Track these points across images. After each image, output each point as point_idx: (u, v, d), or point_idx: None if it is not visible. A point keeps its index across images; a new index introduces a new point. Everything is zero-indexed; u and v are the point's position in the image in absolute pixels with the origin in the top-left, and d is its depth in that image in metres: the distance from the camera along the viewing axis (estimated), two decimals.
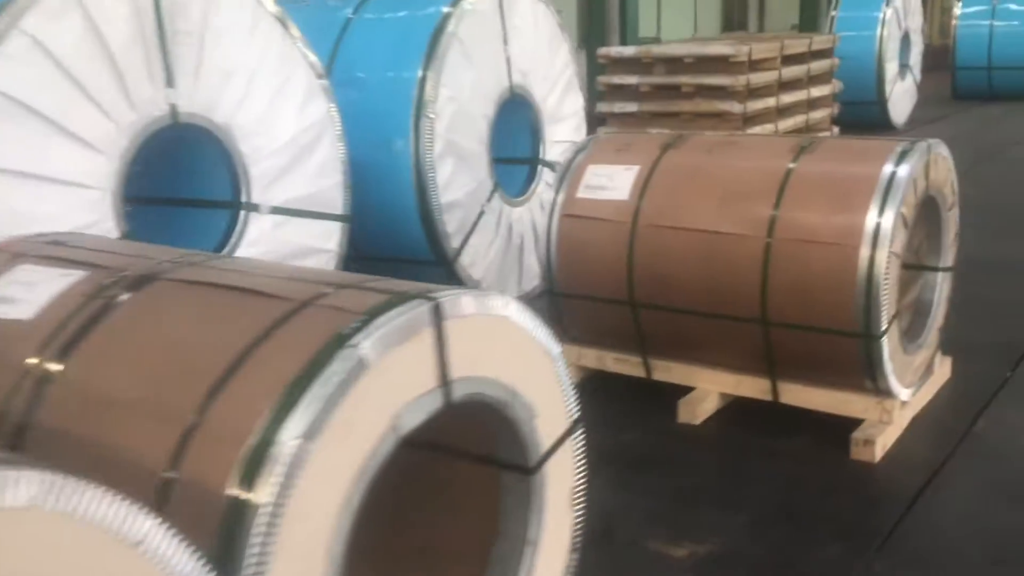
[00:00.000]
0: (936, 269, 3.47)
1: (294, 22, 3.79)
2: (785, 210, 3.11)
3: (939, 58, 14.06)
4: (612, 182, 3.47)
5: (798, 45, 8.55)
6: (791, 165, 3.20)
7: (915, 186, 3.05)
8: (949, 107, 12.32)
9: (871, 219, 2.94)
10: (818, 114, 9.07)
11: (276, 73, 3.60)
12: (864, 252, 2.93)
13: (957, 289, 4.22)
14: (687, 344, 3.41)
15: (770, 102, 8.13)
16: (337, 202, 3.88)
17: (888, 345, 3.00)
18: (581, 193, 3.52)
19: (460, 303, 1.55)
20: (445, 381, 1.54)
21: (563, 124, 5.02)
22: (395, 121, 4.05)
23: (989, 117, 11.44)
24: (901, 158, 3.04)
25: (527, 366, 1.73)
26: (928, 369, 3.41)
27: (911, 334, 3.33)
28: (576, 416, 1.88)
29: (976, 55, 12.67)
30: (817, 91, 8.96)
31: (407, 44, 4.15)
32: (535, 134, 4.89)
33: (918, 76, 11.04)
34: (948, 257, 3.49)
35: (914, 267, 3.48)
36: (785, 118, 8.46)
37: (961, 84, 12.98)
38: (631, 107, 8.12)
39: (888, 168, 3.02)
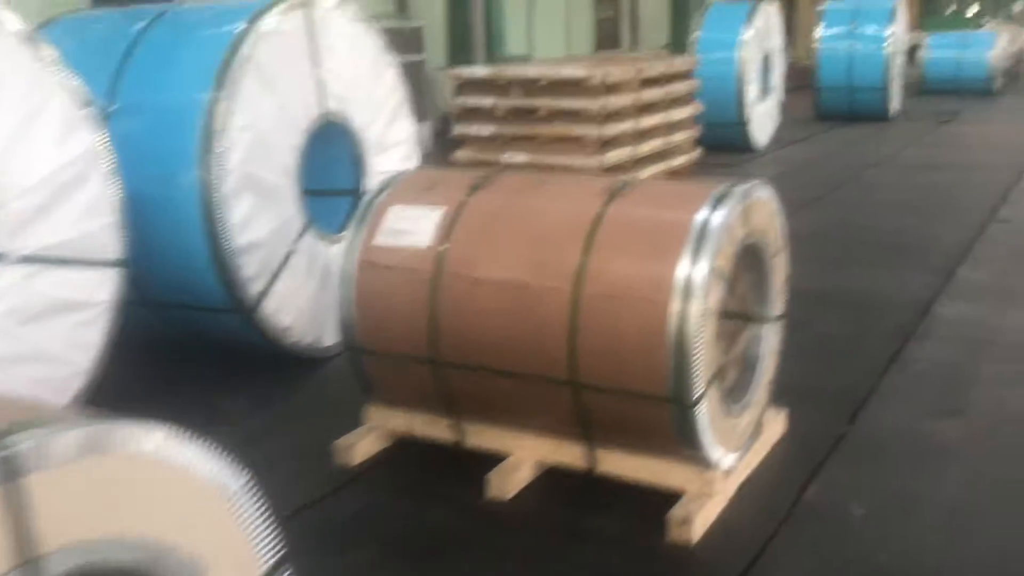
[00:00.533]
0: (764, 319, 3.21)
1: (78, 39, 3.29)
2: (594, 260, 2.79)
3: (805, 78, 14.27)
4: (415, 226, 3.09)
5: (656, 67, 8.38)
6: (602, 210, 2.87)
7: (732, 234, 2.76)
8: (812, 127, 12.45)
9: (682, 271, 2.64)
10: (679, 136, 8.93)
11: (22, 102, 3.09)
12: (675, 308, 2.63)
13: (795, 327, 3.99)
14: (499, 407, 3.05)
15: (628, 126, 7.92)
16: (109, 246, 3.39)
17: (706, 411, 2.70)
18: (381, 238, 3.13)
19: (51, 449, 1.13)
20: (29, 558, 1.12)
21: (391, 153, 4.62)
22: (180, 153, 3.58)
23: (849, 138, 11.58)
24: (717, 204, 2.76)
25: (185, 512, 1.32)
26: (758, 428, 3.14)
27: (737, 392, 3.06)
28: (273, 561, 1.47)
29: (837, 75, 12.86)
30: (677, 113, 8.82)
31: (197, 67, 3.69)
32: (357, 164, 4.48)
33: (781, 97, 11.08)
34: (776, 305, 3.23)
35: (740, 317, 3.21)
36: (644, 141, 8.27)
37: (824, 104, 13.16)
38: (487, 130, 7.80)
39: (702, 215, 2.72)
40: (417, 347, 3.04)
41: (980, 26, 25.59)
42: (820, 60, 12.98)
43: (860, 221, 6.88)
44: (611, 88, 7.65)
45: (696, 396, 2.65)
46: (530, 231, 2.96)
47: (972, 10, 38.15)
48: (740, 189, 2.83)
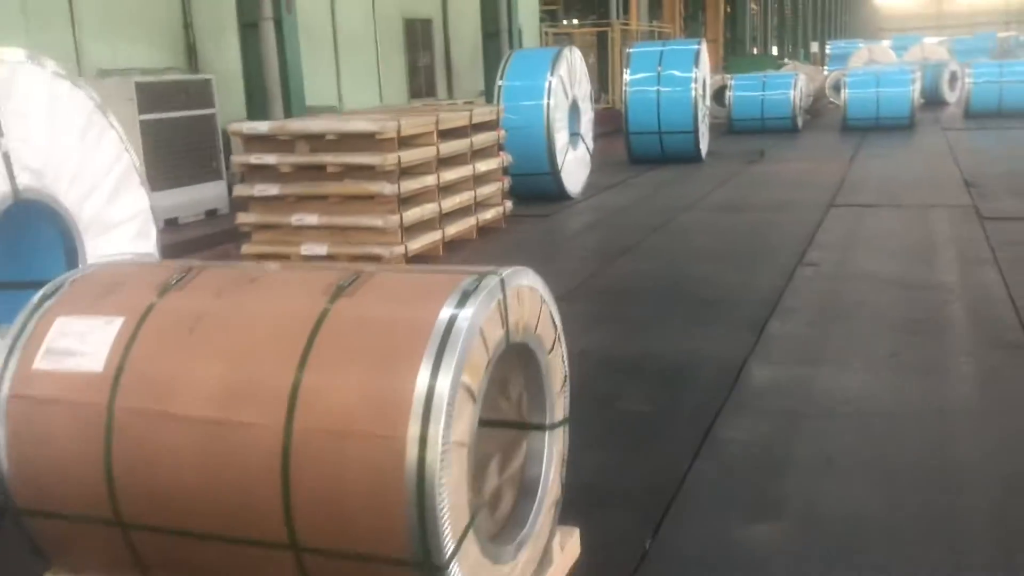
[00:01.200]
0: (543, 427, 2.64)
1: None
2: (310, 382, 2.13)
3: (620, 122, 14.22)
4: (84, 344, 2.35)
5: (457, 118, 7.89)
6: (324, 311, 2.23)
7: (487, 336, 2.18)
8: (626, 172, 12.31)
9: (419, 393, 2.03)
10: (487, 189, 8.46)
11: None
12: (412, 443, 2.01)
13: (598, 407, 3.49)
14: None
15: (429, 180, 7.37)
16: None
17: (462, 572, 2.08)
18: (40, 362, 2.37)
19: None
20: None
21: (115, 233, 3.85)
22: None
23: (661, 181, 11.47)
24: (465, 299, 2.17)
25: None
26: (544, 561, 2.56)
27: (513, 525, 2.46)
28: None
29: (646, 120, 12.82)
30: (484, 165, 8.36)
31: None
32: (70, 249, 3.68)
33: (590, 144, 10.85)
34: (558, 409, 2.67)
35: (514, 427, 2.63)
36: (449, 196, 7.74)
37: (635, 148, 13.09)
38: (273, 189, 7.07)
39: (444, 315, 2.13)
40: (94, 505, 2.29)
41: (780, 67, 26.83)
42: (628, 105, 12.92)
43: (670, 272, 6.54)
44: (406, 141, 7.09)
45: (446, 555, 2.03)
46: (233, 345, 2.28)
47: (773, 51, 40.26)
48: (493, 279, 2.25)
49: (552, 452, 2.64)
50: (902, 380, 4.19)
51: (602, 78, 23.05)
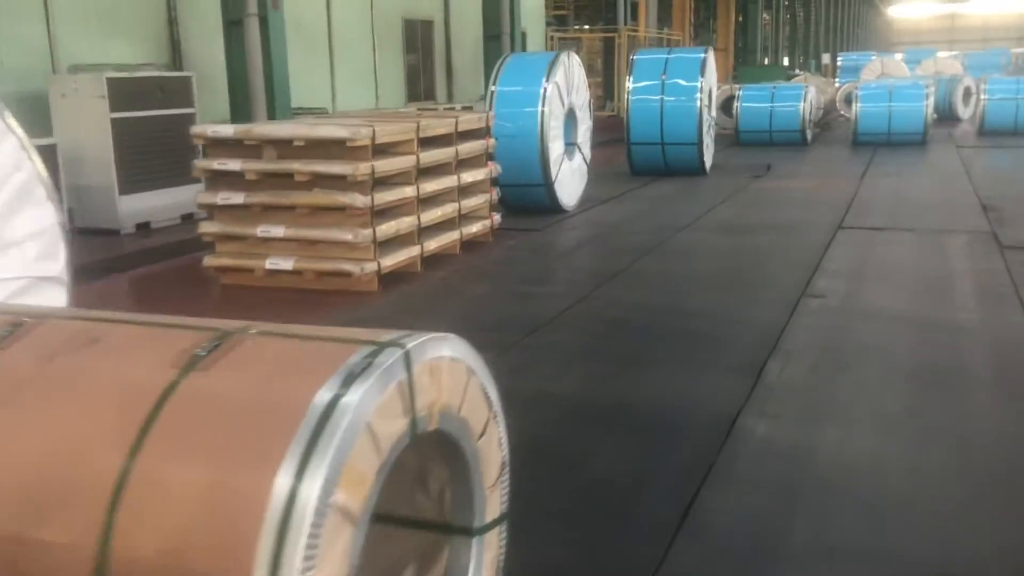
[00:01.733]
0: (469, 531, 2.08)
1: None
2: (138, 487, 1.59)
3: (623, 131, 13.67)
4: None
5: (440, 126, 7.34)
6: (167, 391, 1.69)
7: (375, 433, 1.62)
8: (626, 184, 11.76)
9: (276, 505, 1.48)
10: (473, 201, 7.92)
11: None
12: None
13: (564, 468, 2.97)
14: None
15: (407, 192, 6.83)
16: None
17: None
18: None
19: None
20: None
21: (12, 253, 3.31)
22: None
23: (662, 195, 10.91)
24: (348, 382, 1.62)
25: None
26: None
27: None
28: None
29: (649, 130, 12.27)
30: (470, 176, 7.81)
31: None
32: None
33: (588, 155, 10.30)
34: (490, 507, 2.11)
35: (433, 528, 2.08)
36: (429, 208, 7.20)
37: (637, 160, 12.53)
38: (237, 198, 6.54)
39: (321, 400, 1.58)
40: None
41: (791, 78, 26.24)
42: (630, 114, 12.36)
43: (662, 301, 5.98)
44: (382, 149, 6.55)
45: None
46: (52, 428, 1.73)
47: (784, 62, 39.68)
48: (393, 356, 1.70)
49: (481, 561, 2.09)
50: (920, 447, 3.62)
51: (608, 85, 22.52)
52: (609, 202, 10.36)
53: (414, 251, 6.88)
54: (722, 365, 4.60)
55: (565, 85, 9.46)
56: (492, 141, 8.24)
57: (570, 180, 9.72)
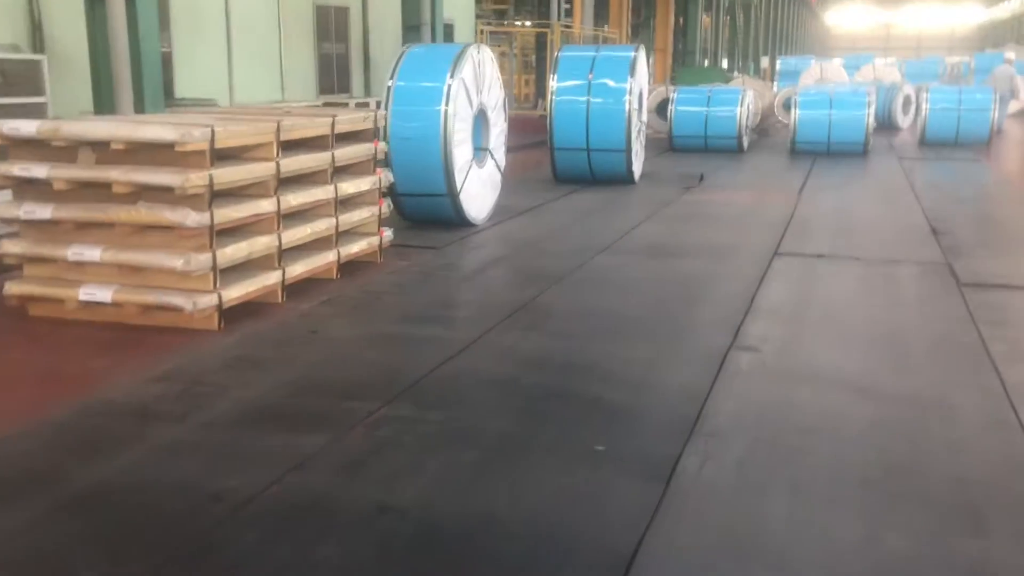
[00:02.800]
0: None
1: None
2: None
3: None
4: None
5: (311, 126, 6.13)
6: None
7: None
8: (547, 193, 10.65)
9: None
10: (356, 215, 6.71)
11: None
12: None
13: None
14: None
15: (264, 206, 5.61)
16: None
17: None
18: None
19: None
20: None
21: None
22: None
23: (585, 207, 9.82)
24: None
25: None
26: None
27: None
28: None
29: (574, 135, 11.17)
30: (352, 186, 6.61)
31: None
32: None
33: (502, 162, 9.16)
34: None
35: None
36: (295, 226, 5.98)
37: (561, 166, 11.43)
38: (44, 212, 5.26)
39: None
40: None
41: (729, 80, 25.47)
42: (553, 117, 11.24)
43: (564, 352, 4.84)
44: (228, 155, 5.33)
45: None
46: None
47: (723, 64, 39.01)
48: None
49: None
50: None
51: (540, 83, 21.42)
52: (525, 214, 9.23)
53: (272, 278, 5.66)
54: (623, 460, 3.48)
55: (474, 82, 8.29)
56: (382, 144, 7.04)
57: (480, 190, 8.56)
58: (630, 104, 11.01)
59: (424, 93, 7.98)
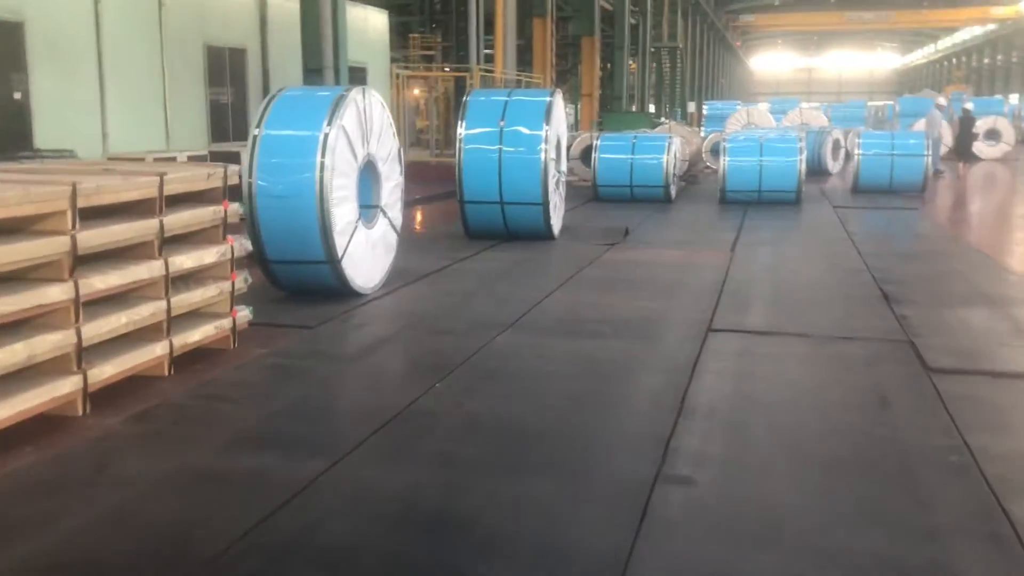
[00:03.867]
0: None
1: None
2: None
3: None
4: None
5: (125, 187, 4.84)
6: None
7: None
8: (456, 252, 9.47)
9: None
10: (198, 294, 5.40)
11: None
12: None
13: None
14: None
15: (52, 294, 4.28)
16: None
17: None
18: None
19: None
20: None
21: None
22: None
23: (494, 271, 8.64)
24: None
25: None
26: None
27: None
28: None
29: (486, 187, 10.03)
30: (189, 258, 5.31)
31: None
32: None
33: (397, 220, 7.95)
34: None
35: None
36: (105, 314, 4.66)
37: (473, 222, 10.27)
38: None
39: None
40: None
41: (656, 126, 24.78)
42: (463, 167, 10.09)
43: (433, 498, 3.57)
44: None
45: None
46: None
47: (650, 108, 38.58)
48: None
49: None
50: None
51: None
52: (426, 279, 8.00)
53: (64, 386, 4.32)
54: None
55: (359, 130, 7.09)
56: (235, 206, 5.76)
57: (368, 255, 7.32)
58: (546, 153, 9.92)
59: (297, 144, 6.75)
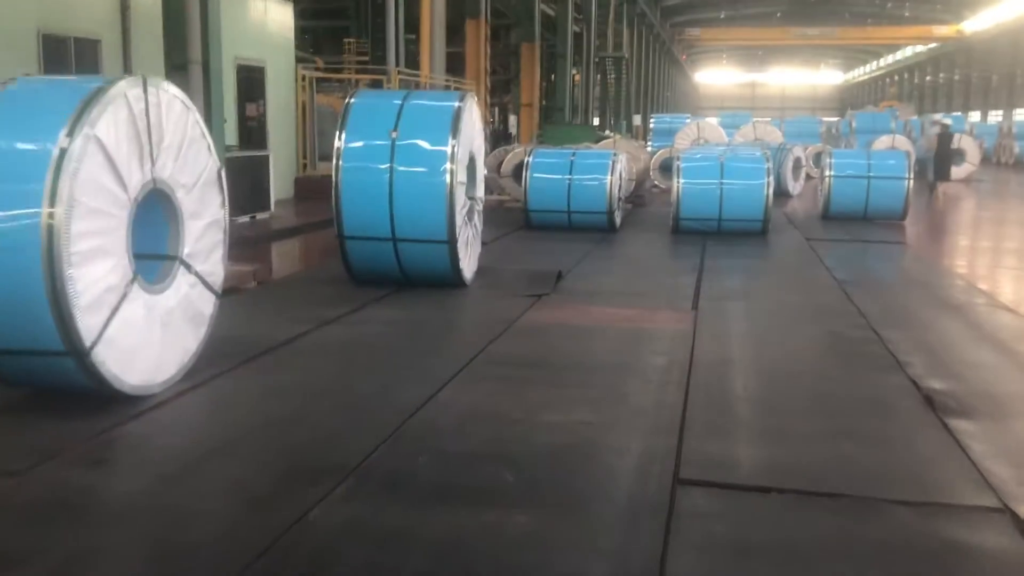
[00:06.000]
0: None
1: None
2: None
3: None
4: None
5: None
6: None
7: None
8: (326, 308, 6.92)
9: None
10: None
11: None
12: None
13: None
14: None
15: None
16: None
17: None
18: None
19: None
20: None
21: None
22: None
23: (366, 345, 6.13)
24: None
25: None
26: None
27: None
28: None
29: (372, 218, 7.48)
30: None
31: None
32: None
33: (216, 275, 5.38)
34: None
35: None
36: None
37: (357, 264, 7.71)
38: None
39: None
40: None
41: (600, 139, 22.49)
42: (341, 192, 7.54)
43: None
44: None
45: None
46: None
47: (594, 121, 36.33)
48: None
49: None
50: None
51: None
52: (258, 361, 5.42)
53: None
54: None
55: (133, 145, 4.49)
56: None
57: (152, 335, 4.72)
58: (453, 175, 7.42)
59: (13, 165, 4.14)
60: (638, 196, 16.17)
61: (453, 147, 7.43)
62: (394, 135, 7.53)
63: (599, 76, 39.20)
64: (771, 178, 11.68)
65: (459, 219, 7.56)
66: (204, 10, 10.64)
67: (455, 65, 22.82)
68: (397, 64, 16.65)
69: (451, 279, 7.73)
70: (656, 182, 19.01)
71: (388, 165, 7.48)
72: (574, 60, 32.56)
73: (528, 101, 27.41)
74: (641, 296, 7.83)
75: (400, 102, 7.84)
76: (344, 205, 7.53)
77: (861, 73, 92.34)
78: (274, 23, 15.61)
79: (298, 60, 16.89)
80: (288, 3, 16.22)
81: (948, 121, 21.42)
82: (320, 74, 17.10)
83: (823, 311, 7.26)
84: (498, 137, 32.73)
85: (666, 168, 18.26)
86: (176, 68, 10.66)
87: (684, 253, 10.33)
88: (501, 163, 16.42)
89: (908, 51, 72.41)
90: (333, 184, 7.59)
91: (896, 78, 78.36)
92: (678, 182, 11.73)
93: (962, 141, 23.19)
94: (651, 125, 30.94)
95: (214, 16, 10.82)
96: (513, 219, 12.77)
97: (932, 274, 9.49)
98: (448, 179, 7.40)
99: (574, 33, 32.39)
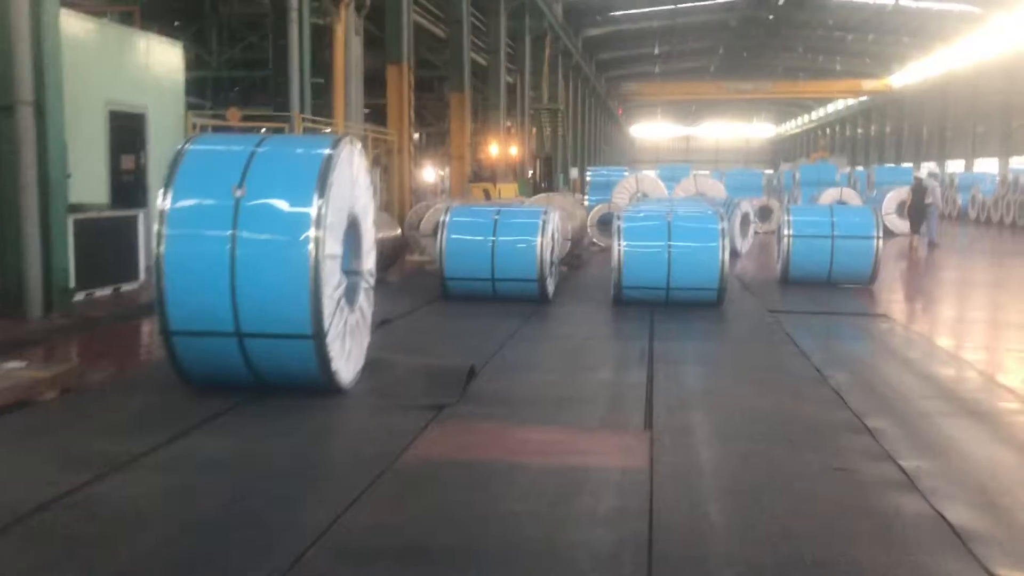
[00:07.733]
0: None
1: None
2: None
3: None
4: None
5: None
6: None
7: None
8: (147, 432, 4.82)
9: None
10: None
11: None
12: None
13: None
14: None
15: None
16: None
17: None
18: None
19: None
20: None
21: None
22: None
23: (170, 511, 4.04)
24: None
25: None
26: None
27: None
28: None
29: (211, 305, 5.43)
30: None
31: None
32: None
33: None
34: None
35: None
36: None
37: (191, 364, 5.63)
38: None
39: None
40: None
41: (533, 192, 20.71)
42: (165, 270, 5.46)
43: None
44: None
45: None
46: None
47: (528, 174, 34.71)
48: None
49: None
50: None
51: None
52: (26, 523, 3.29)
53: None
54: None
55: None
56: None
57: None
58: (319, 245, 5.40)
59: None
60: (575, 256, 14.33)
61: (320, 208, 5.42)
62: (239, 193, 5.50)
63: (534, 128, 37.77)
64: (726, 240, 9.89)
65: (329, 305, 5.53)
66: (37, 42, 8.57)
67: (382, 117, 20.96)
68: (302, 110, 14.65)
69: (320, 383, 5.69)
70: (594, 240, 17.25)
71: (230, 232, 5.44)
72: (508, 112, 31.05)
73: (459, 153, 25.63)
74: (578, 403, 5.84)
75: (252, 149, 5.83)
76: (168, 288, 5.45)
77: (793, 126, 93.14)
78: (159, 65, 13.54)
79: (191, 107, 14.79)
80: (177, 44, 14.18)
81: (922, 174, 20.53)
82: (215, 122, 15.00)
83: (819, 427, 5.35)
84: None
85: (605, 223, 16.54)
86: (2, 110, 8.55)
87: (629, 333, 8.43)
88: (421, 220, 14.49)
89: (840, 104, 72.92)
90: (155, 259, 5.51)
91: (827, 131, 78.89)
92: (619, 245, 9.88)
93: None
94: (588, 178, 29.37)
95: (52, 48, 8.75)
96: (431, 285, 10.79)
97: (935, 361, 7.67)
98: (312, 250, 5.39)
99: (507, 84, 30.92)
